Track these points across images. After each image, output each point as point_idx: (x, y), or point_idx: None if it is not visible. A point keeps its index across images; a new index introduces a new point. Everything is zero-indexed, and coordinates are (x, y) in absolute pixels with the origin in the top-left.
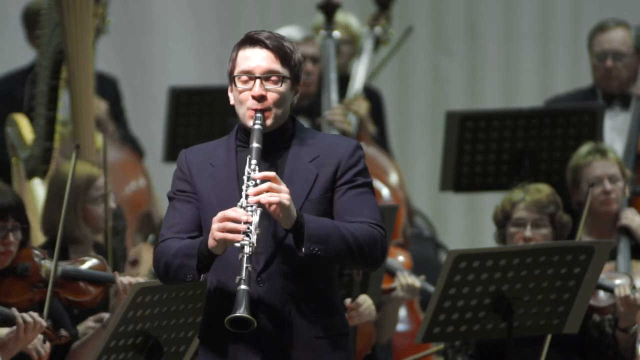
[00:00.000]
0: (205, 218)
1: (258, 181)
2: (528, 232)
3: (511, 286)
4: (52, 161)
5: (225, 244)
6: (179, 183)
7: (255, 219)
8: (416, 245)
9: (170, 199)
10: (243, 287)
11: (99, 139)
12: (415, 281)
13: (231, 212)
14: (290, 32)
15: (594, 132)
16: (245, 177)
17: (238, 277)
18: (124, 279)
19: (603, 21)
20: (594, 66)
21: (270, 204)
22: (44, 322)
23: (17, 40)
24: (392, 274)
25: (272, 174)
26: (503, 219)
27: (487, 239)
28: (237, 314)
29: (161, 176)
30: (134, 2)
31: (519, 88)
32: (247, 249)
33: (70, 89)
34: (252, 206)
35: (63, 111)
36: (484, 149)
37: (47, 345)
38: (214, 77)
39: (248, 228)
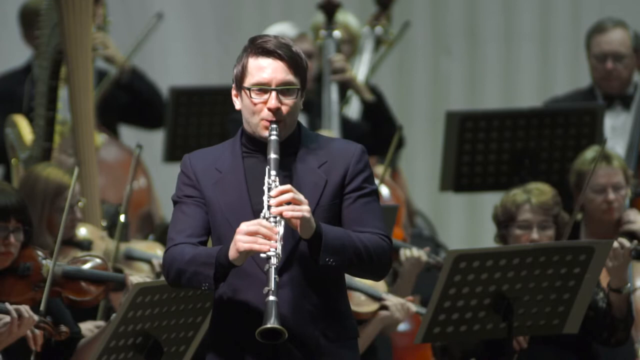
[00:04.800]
0: (214, 225)
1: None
2: (535, 234)
3: (511, 286)
4: (51, 160)
5: (247, 255)
6: (186, 188)
7: (281, 230)
8: (416, 245)
9: (175, 202)
10: (272, 298)
11: (98, 138)
12: (421, 254)
13: (257, 225)
14: (283, 29)
15: (594, 132)
16: (265, 188)
17: (266, 288)
18: (133, 279)
19: (601, 21)
20: (593, 67)
21: (294, 218)
22: (35, 317)
23: (15, 40)
24: (395, 250)
25: (288, 187)
26: (505, 220)
27: (487, 239)
28: (269, 326)
29: (161, 176)
30: (134, 2)
31: (519, 88)
32: (274, 260)
33: (70, 89)
34: (275, 217)
35: (63, 110)
36: (484, 149)
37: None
38: (213, 77)
39: (275, 237)
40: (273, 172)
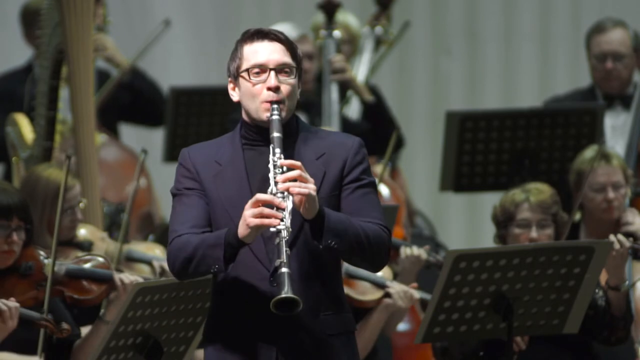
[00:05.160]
0: (214, 217)
1: (285, 168)
2: (534, 233)
3: (511, 286)
4: (52, 161)
5: (258, 230)
6: (186, 181)
7: (289, 204)
8: (416, 245)
9: (175, 195)
10: (284, 269)
11: (98, 138)
12: (421, 252)
13: (265, 197)
14: (285, 29)
15: (594, 132)
16: (271, 166)
17: (278, 260)
18: (124, 277)
19: (600, 21)
20: (593, 67)
21: (301, 194)
22: (17, 304)
23: (16, 40)
24: (395, 248)
25: (298, 163)
26: (504, 220)
27: (487, 239)
28: (284, 295)
29: (161, 176)
30: (134, 2)
31: (519, 88)
32: (284, 233)
33: (71, 89)
34: (282, 193)
35: (63, 110)
36: (484, 149)
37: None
38: (213, 77)
39: (282, 214)
40: (277, 150)
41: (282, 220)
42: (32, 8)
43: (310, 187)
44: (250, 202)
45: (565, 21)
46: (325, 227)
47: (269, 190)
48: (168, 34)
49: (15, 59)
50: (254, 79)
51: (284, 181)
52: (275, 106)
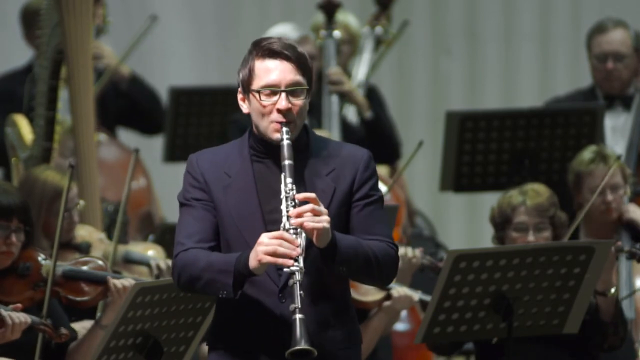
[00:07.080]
0: (222, 229)
1: (297, 200)
2: (531, 236)
3: (511, 286)
4: (51, 161)
5: (268, 264)
6: (194, 191)
7: (302, 242)
8: (416, 245)
9: (183, 204)
10: (299, 316)
11: (97, 137)
12: (413, 253)
13: (279, 239)
14: (285, 30)
15: (594, 132)
16: (283, 198)
17: (292, 305)
18: (117, 282)
19: (601, 22)
20: (594, 67)
21: (314, 229)
22: (28, 319)
23: (16, 40)
24: None
25: (312, 195)
26: (502, 222)
27: (487, 239)
28: (298, 347)
29: (161, 176)
30: (134, 2)
31: (519, 88)
32: (298, 276)
33: (70, 90)
34: (295, 228)
35: (62, 110)
36: (484, 149)
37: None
38: (213, 77)
39: (297, 251)
40: (289, 180)
41: (296, 260)
42: (32, 8)
43: (323, 220)
44: (265, 238)
45: (565, 21)
46: (337, 256)
47: (282, 225)
48: (168, 34)
49: (15, 59)
50: (264, 100)
51: (297, 216)
52: (285, 129)
